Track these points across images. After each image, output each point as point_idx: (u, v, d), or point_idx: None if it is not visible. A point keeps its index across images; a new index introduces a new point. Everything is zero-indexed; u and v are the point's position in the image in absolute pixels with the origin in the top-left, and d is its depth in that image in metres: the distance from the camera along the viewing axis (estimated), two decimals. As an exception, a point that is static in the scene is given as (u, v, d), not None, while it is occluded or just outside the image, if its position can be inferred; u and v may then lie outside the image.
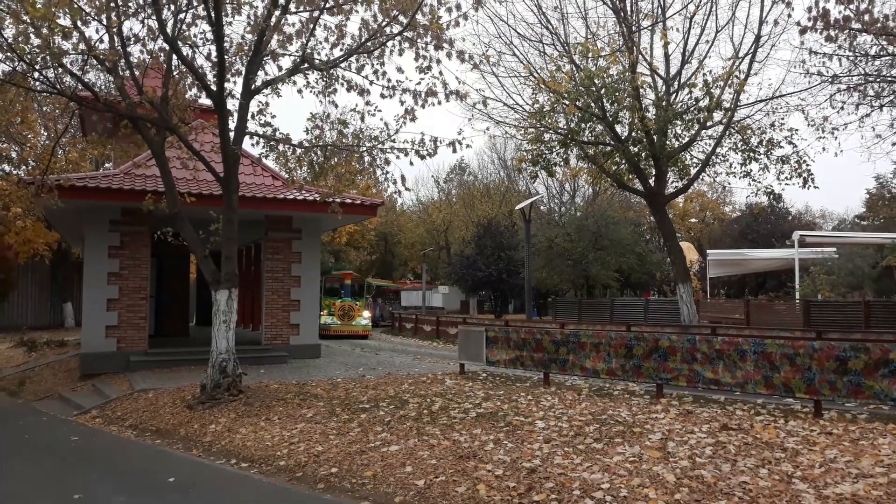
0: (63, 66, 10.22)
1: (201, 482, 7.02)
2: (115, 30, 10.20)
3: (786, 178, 17.43)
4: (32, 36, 9.23)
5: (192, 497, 6.55)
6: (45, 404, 13.17)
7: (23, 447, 9.06)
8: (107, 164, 26.58)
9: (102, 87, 12.02)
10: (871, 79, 15.84)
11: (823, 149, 19.03)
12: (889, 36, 12.53)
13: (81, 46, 9.90)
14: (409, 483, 6.23)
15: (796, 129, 17.34)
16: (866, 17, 8.74)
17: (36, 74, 10.38)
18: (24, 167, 24.26)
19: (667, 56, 18.92)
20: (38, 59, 9.71)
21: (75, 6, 9.13)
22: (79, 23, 9.38)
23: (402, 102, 10.48)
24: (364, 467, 6.83)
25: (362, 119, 11.32)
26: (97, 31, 10.17)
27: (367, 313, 29.39)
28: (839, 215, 52.47)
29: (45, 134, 26.70)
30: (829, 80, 16.05)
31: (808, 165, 17.18)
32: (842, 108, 15.88)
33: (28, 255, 27.85)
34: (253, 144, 11.90)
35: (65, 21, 9.14)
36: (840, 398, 7.93)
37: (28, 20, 8.89)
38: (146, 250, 15.25)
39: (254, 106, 11.14)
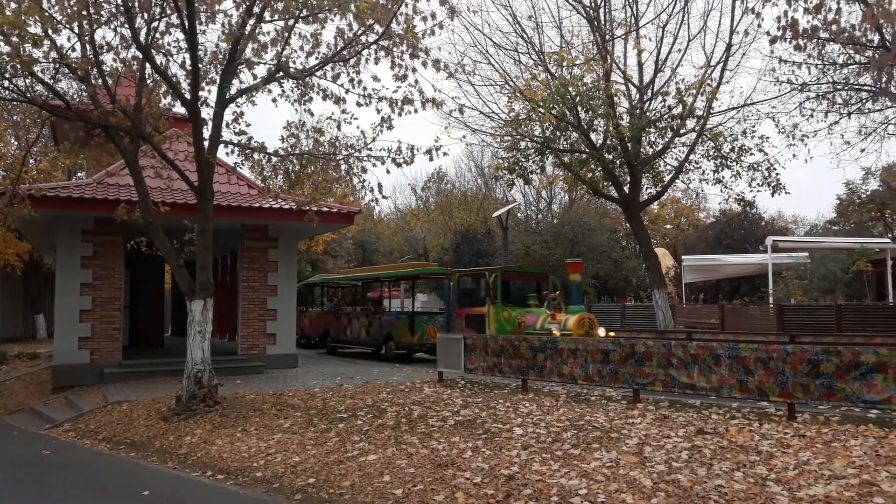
0: (34, 74, 10.09)
1: (176, 495, 6.93)
2: (87, 38, 10.09)
3: (757, 184, 17.72)
4: (2, 44, 9.08)
5: (167, 510, 6.47)
6: (16, 418, 12.92)
7: (-7, 462, 8.88)
8: (79, 174, 26.27)
9: (74, 96, 11.86)
10: (839, 87, 16.18)
11: (794, 155, 19.45)
12: (856, 45, 12.81)
13: (53, 55, 9.79)
14: (387, 492, 6.21)
15: (767, 137, 17.66)
16: (834, 27, 8.90)
17: (6, 83, 10.24)
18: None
19: (640, 65, 19.18)
20: (8, 67, 9.57)
21: (46, 14, 9.04)
22: (50, 31, 9.26)
23: (378, 111, 10.48)
24: (342, 477, 6.79)
25: (339, 127, 11.30)
26: (69, 40, 10.10)
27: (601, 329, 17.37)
28: (811, 221, 53.26)
29: (16, 143, 26.31)
30: (799, 88, 16.37)
31: (777, 174, 17.48)
32: (811, 115, 16.22)
33: (-2, 265, 27.38)
34: (228, 153, 11.84)
35: (35, 29, 9.02)
36: (813, 401, 8.05)
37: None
38: (120, 260, 15.07)
39: (228, 114, 11.08)
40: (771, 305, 25.32)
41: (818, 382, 7.86)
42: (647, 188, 20.37)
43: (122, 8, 9.79)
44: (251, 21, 9.93)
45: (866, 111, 16.47)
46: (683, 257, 35.26)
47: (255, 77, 10.84)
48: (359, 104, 10.62)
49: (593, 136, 18.51)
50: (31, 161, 20.02)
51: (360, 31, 10.05)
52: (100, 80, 10.80)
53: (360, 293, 28.04)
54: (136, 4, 9.85)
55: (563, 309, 15.00)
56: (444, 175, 53.77)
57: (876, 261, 27.42)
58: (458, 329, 15.82)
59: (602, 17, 18.68)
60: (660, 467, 6.10)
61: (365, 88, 10.54)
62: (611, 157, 18.48)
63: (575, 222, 35.44)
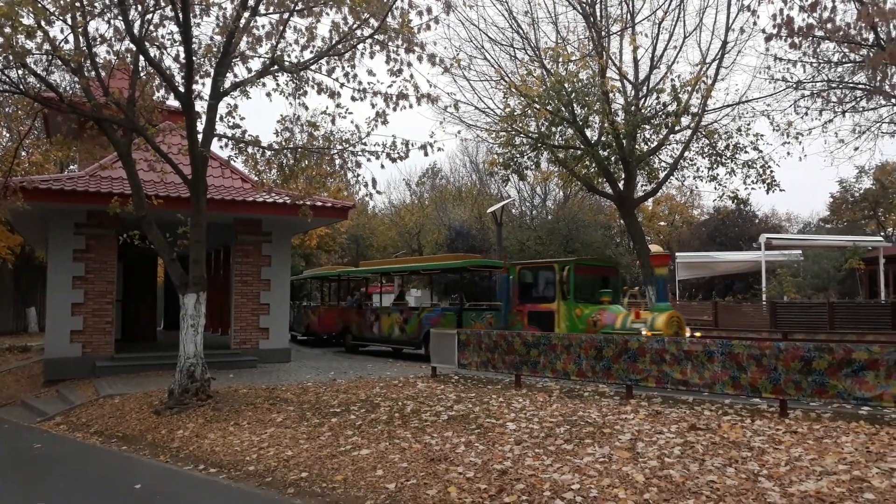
0: (26, 66, 10.03)
1: (168, 488, 6.91)
2: (80, 30, 10.03)
3: (751, 182, 17.74)
4: (-6, 35, 9.03)
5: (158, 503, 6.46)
6: (8, 411, 12.87)
7: (-17, 455, 8.85)
8: (72, 167, 26.12)
9: (67, 88, 11.77)
10: (833, 85, 16.22)
11: (788, 153, 19.43)
12: (851, 44, 12.83)
13: (46, 46, 9.71)
14: (379, 486, 6.21)
15: (762, 135, 17.70)
16: (829, 26, 8.91)
17: (-2, 74, 10.18)
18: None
19: (636, 61, 19.14)
20: (1, 58, 9.51)
21: (39, 5, 8.97)
22: (43, 22, 9.20)
23: (373, 105, 10.46)
24: (334, 471, 6.78)
25: (333, 122, 11.28)
26: (62, 31, 10.01)
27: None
28: (804, 219, 53.42)
29: (8, 135, 26.15)
30: (794, 85, 16.39)
31: (771, 171, 17.51)
32: (806, 113, 16.24)
33: (-11, 259, 27.27)
34: (222, 147, 11.77)
35: (28, 20, 8.95)
36: (805, 398, 8.08)
37: (-10, 19, 8.68)
38: (112, 254, 15.01)
39: (223, 108, 11.02)
40: (764, 303, 25.41)
41: (810, 379, 7.89)
42: (641, 185, 20.38)
43: (115, 0, 9.72)
44: (246, 14, 9.88)
45: (860, 109, 16.52)
46: (677, 254, 35.33)
47: (249, 70, 10.83)
48: (354, 98, 10.60)
49: (588, 133, 18.49)
50: (24, 153, 19.89)
51: (355, 25, 10.02)
52: (93, 73, 10.73)
53: (362, 287, 27.60)
54: (130, -4, 9.79)
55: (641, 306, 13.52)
56: (439, 170, 53.74)
57: (868, 259, 27.57)
58: (518, 327, 14.57)
59: (598, 13, 18.65)
60: (652, 463, 6.11)
61: (360, 83, 10.53)
62: (606, 153, 18.46)
63: (569, 218, 35.46)
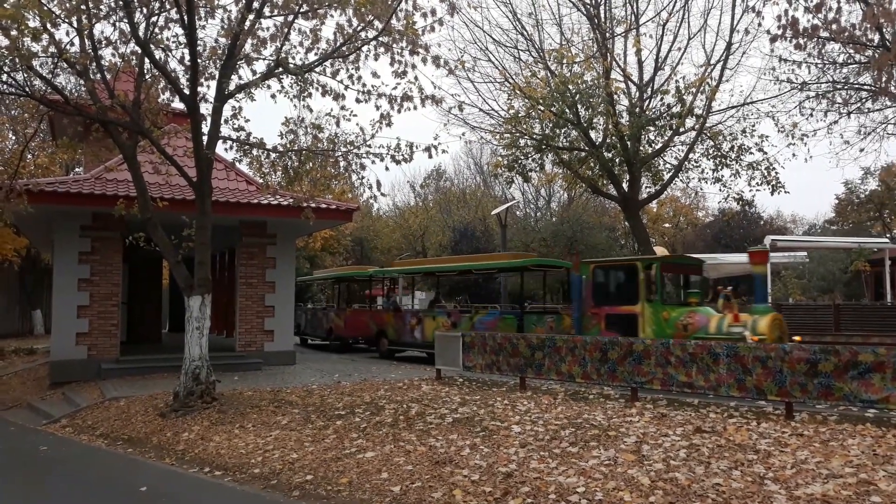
0: (32, 68, 10.06)
1: (173, 491, 6.91)
2: (86, 32, 10.07)
3: (756, 184, 17.71)
4: (1, 37, 9.06)
5: (164, 506, 6.46)
6: (13, 413, 12.90)
7: (-11, 457, 8.87)
8: (77, 169, 26.22)
9: (73, 91, 11.83)
10: (839, 86, 16.18)
11: (793, 155, 19.46)
12: (856, 44, 12.80)
13: (51, 49, 9.75)
14: (385, 489, 6.20)
15: (767, 136, 17.65)
16: (834, 27, 8.89)
17: (4, 77, 10.21)
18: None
19: (640, 62, 19.15)
20: (7, 61, 9.54)
21: (45, 8, 9.00)
22: (49, 25, 9.23)
23: (377, 107, 10.47)
24: (339, 474, 6.78)
25: (337, 124, 11.28)
26: (68, 34, 10.09)
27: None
28: (810, 220, 53.34)
29: (13, 138, 26.24)
30: (799, 87, 16.36)
31: (776, 173, 17.47)
32: (811, 114, 16.21)
33: (-5, 261, 27.32)
34: (226, 149, 11.82)
35: (34, 23, 8.98)
36: (811, 400, 8.06)
37: (-4, 21, 8.72)
38: (118, 256, 15.05)
39: (227, 110, 11.06)
40: (769, 305, 25.31)
41: (816, 382, 7.86)
42: (646, 187, 20.36)
43: (121, 2, 9.74)
44: (250, 16, 9.89)
45: (866, 111, 16.48)
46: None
47: (254, 73, 10.84)
48: (358, 101, 10.62)
49: (593, 134, 18.49)
50: (29, 156, 19.98)
51: (359, 28, 10.02)
52: (98, 75, 10.77)
53: (364, 288, 26.79)
54: (135, -1, 9.82)
55: (735, 308, 12.35)
56: (443, 172, 53.80)
57: (874, 260, 27.47)
58: (594, 332, 13.24)
59: (602, 15, 18.65)
60: (658, 465, 6.09)
61: (364, 85, 10.53)
62: (610, 155, 18.45)
63: (574, 220, 35.42)
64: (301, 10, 10.03)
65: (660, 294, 12.97)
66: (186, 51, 10.24)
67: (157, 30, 10.40)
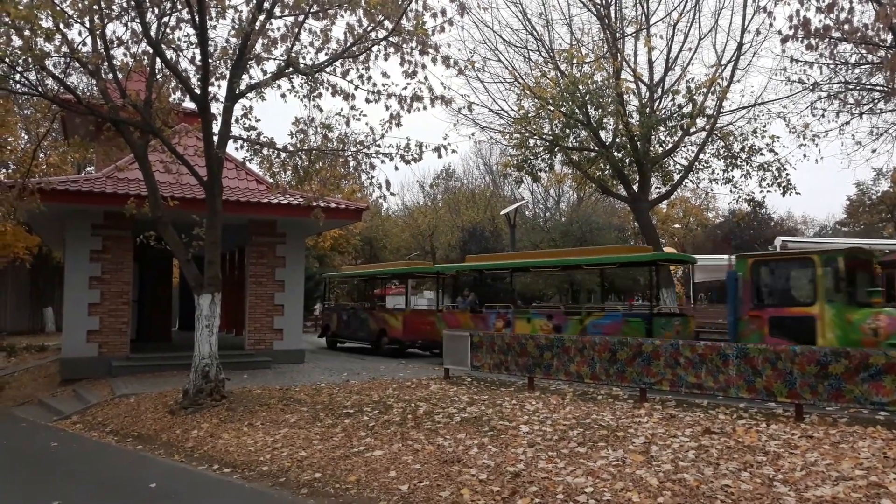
0: (45, 68, 10.13)
1: (183, 488, 6.95)
2: (98, 32, 10.14)
3: (767, 185, 17.64)
4: (14, 37, 9.14)
5: (173, 503, 6.49)
6: (25, 410, 12.99)
7: (0, 453, 8.94)
8: (89, 168, 26.39)
9: (85, 90, 11.91)
10: (850, 87, 16.08)
11: (805, 156, 19.34)
12: (869, 45, 12.72)
13: (64, 49, 9.83)
14: (392, 488, 6.21)
15: (777, 137, 17.58)
16: (846, 27, 8.85)
17: (17, 76, 10.28)
18: (3, 170, 24.03)
19: (650, 63, 19.11)
20: (20, 60, 9.62)
21: (58, 8, 9.07)
22: (61, 25, 9.31)
23: (387, 107, 10.48)
24: (348, 472, 6.80)
25: (347, 123, 11.35)
26: (80, 34, 10.15)
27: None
28: (821, 221, 53.04)
29: (26, 137, 26.44)
30: (810, 87, 16.29)
31: (787, 174, 17.40)
32: (822, 115, 16.13)
33: (7, 259, 27.47)
34: (237, 148, 11.85)
35: (47, 23, 9.06)
36: (821, 402, 8.02)
37: (9, 21, 8.79)
38: (128, 254, 15.14)
39: (238, 110, 11.11)
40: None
41: (826, 383, 7.83)
42: (655, 187, 20.32)
43: (133, 3, 9.81)
44: (261, 17, 9.94)
45: (878, 111, 16.38)
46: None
47: (264, 72, 10.89)
48: (368, 101, 10.63)
49: (602, 135, 18.47)
50: (42, 155, 20.14)
51: (369, 27, 10.05)
52: (110, 75, 10.84)
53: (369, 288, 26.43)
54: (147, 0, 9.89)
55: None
56: (453, 172, 53.76)
57: (886, 262, 27.23)
58: (753, 338, 11.15)
59: (612, 15, 18.63)
60: (666, 466, 6.08)
61: (374, 85, 10.55)
62: (620, 155, 18.43)
63: (583, 221, 35.34)
64: (311, 10, 10.06)
65: (844, 294, 10.87)
66: (197, 51, 10.29)
67: (168, 30, 10.47)
